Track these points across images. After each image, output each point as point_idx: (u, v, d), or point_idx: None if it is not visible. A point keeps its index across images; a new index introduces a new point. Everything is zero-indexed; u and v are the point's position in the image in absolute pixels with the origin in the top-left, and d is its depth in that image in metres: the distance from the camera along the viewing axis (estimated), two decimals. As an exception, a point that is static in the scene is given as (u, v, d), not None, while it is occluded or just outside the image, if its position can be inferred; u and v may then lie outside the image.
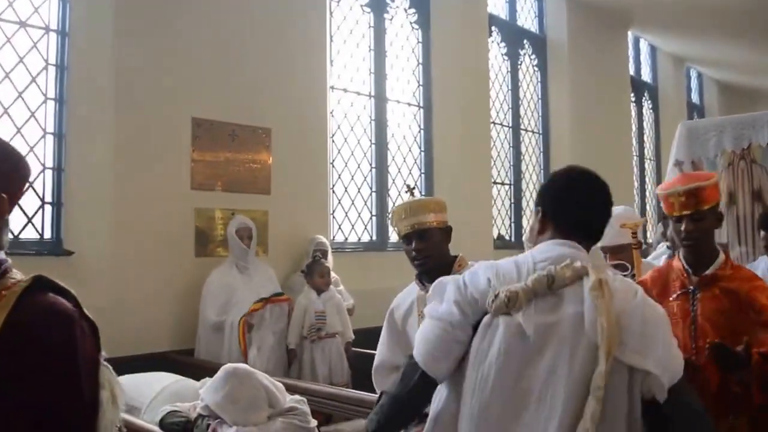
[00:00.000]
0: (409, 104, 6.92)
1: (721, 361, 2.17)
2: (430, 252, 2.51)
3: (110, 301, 4.26)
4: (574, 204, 1.71)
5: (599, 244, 3.50)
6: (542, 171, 8.64)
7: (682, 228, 2.37)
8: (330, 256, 5.26)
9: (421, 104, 6.99)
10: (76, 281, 4.12)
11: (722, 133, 4.44)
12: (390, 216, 2.76)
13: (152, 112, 4.61)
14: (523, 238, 5.45)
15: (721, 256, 2.42)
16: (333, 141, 6.09)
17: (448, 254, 2.58)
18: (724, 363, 2.17)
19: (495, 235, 7.76)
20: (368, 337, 4.14)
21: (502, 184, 8.04)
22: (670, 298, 2.44)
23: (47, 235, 4.44)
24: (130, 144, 4.50)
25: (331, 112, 6.03)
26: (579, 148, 8.49)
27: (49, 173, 4.47)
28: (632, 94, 10.56)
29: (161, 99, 4.66)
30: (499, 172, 7.87)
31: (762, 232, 3.51)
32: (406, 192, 2.78)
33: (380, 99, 6.56)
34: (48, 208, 4.46)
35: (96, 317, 1.31)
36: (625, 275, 3.23)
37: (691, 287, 2.41)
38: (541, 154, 8.69)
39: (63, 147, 4.49)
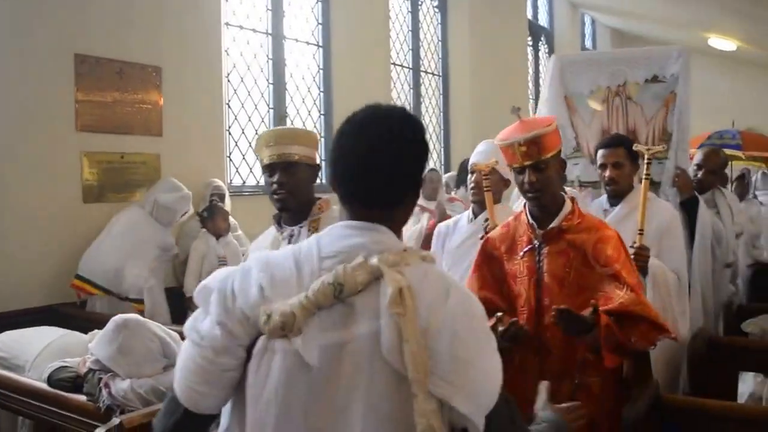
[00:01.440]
0: (308, 43, 6.73)
1: (567, 328, 2.05)
2: (293, 188, 2.35)
3: (-12, 253, 4.01)
4: (352, 167, 1.31)
5: (472, 160, 3.23)
6: (441, 114, 8.73)
7: (525, 180, 2.22)
8: (228, 200, 5.15)
9: (320, 43, 6.83)
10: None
11: (597, 69, 4.21)
12: (255, 142, 2.51)
13: (28, 47, 4.23)
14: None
15: (567, 206, 2.28)
16: (228, 81, 5.86)
17: (311, 195, 2.43)
18: (571, 329, 2.05)
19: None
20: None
21: (403, 126, 8.03)
22: (517, 257, 2.31)
23: None
24: (2, 81, 4.14)
25: (226, 50, 5.78)
26: (477, 91, 8.65)
27: None
28: (529, 38, 10.75)
29: (39, 31, 4.28)
30: (399, 114, 7.85)
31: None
32: (279, 119, 2.63)
33: (278, 37, 6.35)
34: None
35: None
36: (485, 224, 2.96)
37: (537, 242, 2.27)
38: (441, 96, 8.76)
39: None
